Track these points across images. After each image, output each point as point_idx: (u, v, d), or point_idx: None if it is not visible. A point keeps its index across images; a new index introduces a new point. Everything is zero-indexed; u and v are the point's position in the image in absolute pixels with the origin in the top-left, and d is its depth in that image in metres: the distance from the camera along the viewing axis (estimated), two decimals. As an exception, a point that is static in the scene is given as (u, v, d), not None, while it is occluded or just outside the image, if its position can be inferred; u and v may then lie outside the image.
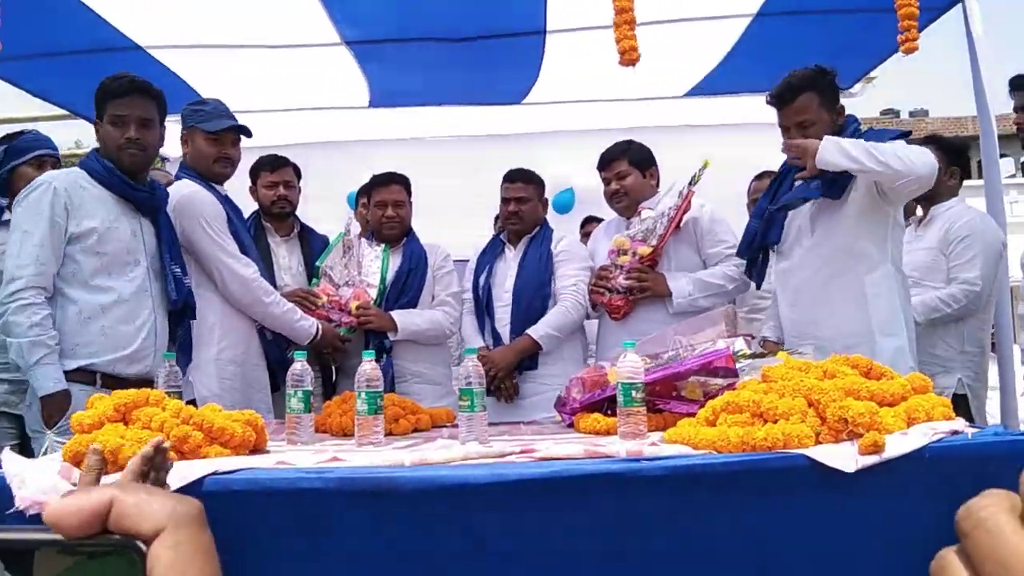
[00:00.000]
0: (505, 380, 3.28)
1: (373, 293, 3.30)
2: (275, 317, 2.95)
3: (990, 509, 0.41)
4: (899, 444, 1.52)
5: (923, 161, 2.52)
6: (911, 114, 23.03)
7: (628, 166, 3.31)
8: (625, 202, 3.32)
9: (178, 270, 2.65)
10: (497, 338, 3.36)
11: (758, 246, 2.95)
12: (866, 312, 2.70)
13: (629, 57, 2.05)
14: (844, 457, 1.50)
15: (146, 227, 2.62)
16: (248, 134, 3.08)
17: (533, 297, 3.34)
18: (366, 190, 3.58)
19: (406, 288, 3.35)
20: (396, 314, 3.26)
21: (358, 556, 1.56)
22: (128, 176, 2.56)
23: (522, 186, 3.46)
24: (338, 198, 5.10)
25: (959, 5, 3.70)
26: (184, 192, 2.89)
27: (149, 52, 3.99)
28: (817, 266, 2.77)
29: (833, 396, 1.61)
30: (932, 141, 3.78)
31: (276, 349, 3.02)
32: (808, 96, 2.77)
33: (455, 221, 4.97)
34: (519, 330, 3.32)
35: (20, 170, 3.10)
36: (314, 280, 3.36)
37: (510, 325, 3.35)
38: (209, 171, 2.99)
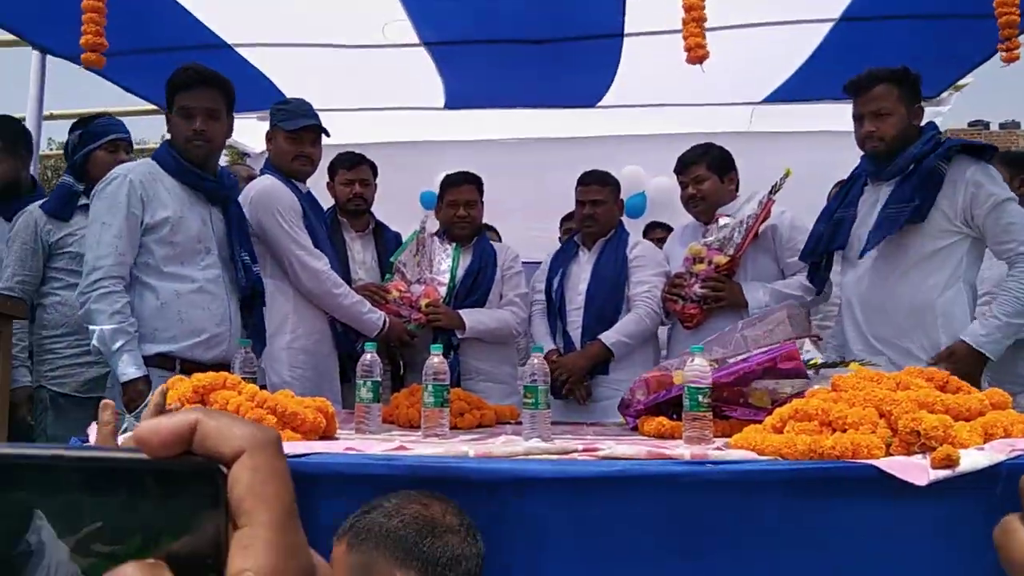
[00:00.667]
0: (577, 385, 3.28)
1: (443, 291, 3.34)
2: (344, 308, 3.01)
3: None
4: (974, 459, 1.48)
5: None
6: (1001, 126, 22.15)
7: (706, 170, 3.27)
8: (702, 207, 3.28)
9: (247, 257, 2.71)
10: (568, 341, 3.37)
11: (823, 251, 2.89)
12: (936, 332, 2.64)
13: (696, 54, 2.05)
14: (915, 470, 1.47)
15: (215, 216, 2.69)
16: (327, 134, 3.15)
17: (606, 301, 3.33)
18: (440, 190, 3.63)
19: (475, 287, 3.38)
20: (464, 313, 3.29)
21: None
22: (196, 166, 2.63)
23: (597, 188, 3.44)
24: (412, 197, 5.18)
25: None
26: (261, 186, 2.98)
27: (236, 50, 4.12)
28: (886, 280, 2.70)
29: (906, 407, 1.57)
30: (995, 157, 3.70)
31: (346, 341, 3.09)
32: (887, 87, 2.73)
33: (526, 223, 5.00)
34: (591, 334, 3.32)
35: (95, 154, 3.14)
36: (387, 276, 3.42)
37: (582, 328, 3.35)
38: (289, 168, 3.08)
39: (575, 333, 3.35)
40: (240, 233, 2.72)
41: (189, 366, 2.44)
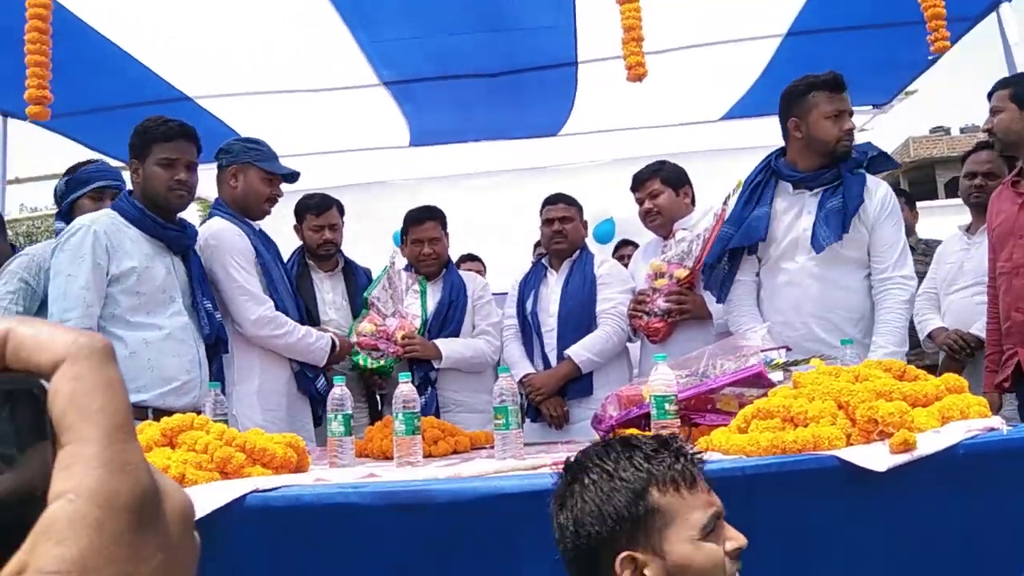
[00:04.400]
0: (553, 406, 3.29)
1: (417, 323, 3.36)
2: (291, 347, 2.96)
3: None
4: (932, 442, 1.50)
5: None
6: (962, 130, 22.58)
7: (661, 184, 3.34)
8: (659, 221, 3.34)
9: (209, 305, 2.72)
10: (546, 362, 3.39)
11: (731, 248, 2.86)
12: (868, 320, 2.74)
13: (635, 72, 2.08)
14: (875, 457, 1.49)
15: (177, 265, 2.70)
16: (297, 180, 3.17)
17: (579, 321, 3.35)
18: (403, 227, 3.65)
19: (448, 320, 3.40)
20: (440, 342, 3.31)
21: (396, 568, 1.59)
22: (165, 216, 2.65)
23: (564, 207, 3.50)
24: (383, 237, 5.20)
25: (994, 14, 3.68)
26: (212, 230, 2.93)
27: (197, 102, 4.16)
28: (820, 278, 2.74)
29: (862, 397, 1.60)
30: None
31: (306, 380, 3.03)
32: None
33: (497, 255, 5.03)
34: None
35: (80, 202, 3.09)
36: (362, 311, 3.42)
37: (557, 350, 3.37)
38: (256, 209, 3.04)
39: (551, 355, 3.37)
40: (200, 281, 2.73)
41: (161, 415, 2.42)
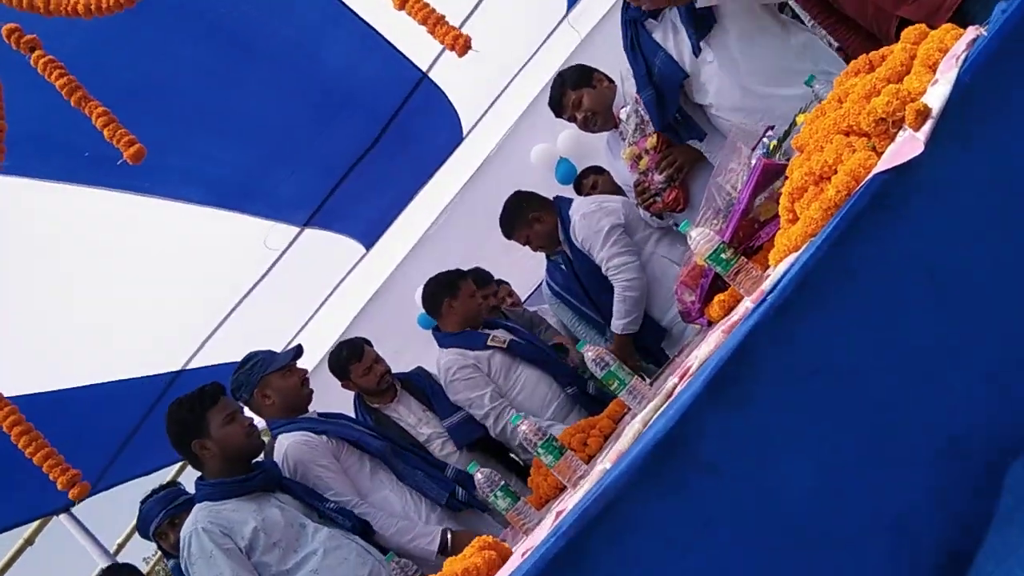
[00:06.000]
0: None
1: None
2: (409, 548, 2.88)
3: None
4: (938, 93, 1.47)
5: None
6: None
7: (574, 92, 3.34)
8: (599, 120, 3.37)
9: (331, 504, 2.78)
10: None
11: (671, 104, 2.89)
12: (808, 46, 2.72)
13: (460, 46, 2.03)
14: (908, 145, 1.46)
15: (282, 497, 2.73)
16: (303, 351, 3.22)
17: (604, 285, 3.44)
18: (450, 292, 3.61)
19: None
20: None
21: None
22: (246, 467, 2.70)
23: (517, 235, 3.65)
24: (411, 333, 5.20)
25: None
26: (283, 454, 2.95)
27: (187, 370, 4.23)
28: (736, 57, 2.73)
29: (856, 110, 1.57)
30: None
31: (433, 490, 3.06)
32: None
33: (508, 269, 4.98)
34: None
35: (162, 530, 3.45)
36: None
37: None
38: (301, 400, 3.11)
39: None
40: (310, 493, 2.77)
41: None
